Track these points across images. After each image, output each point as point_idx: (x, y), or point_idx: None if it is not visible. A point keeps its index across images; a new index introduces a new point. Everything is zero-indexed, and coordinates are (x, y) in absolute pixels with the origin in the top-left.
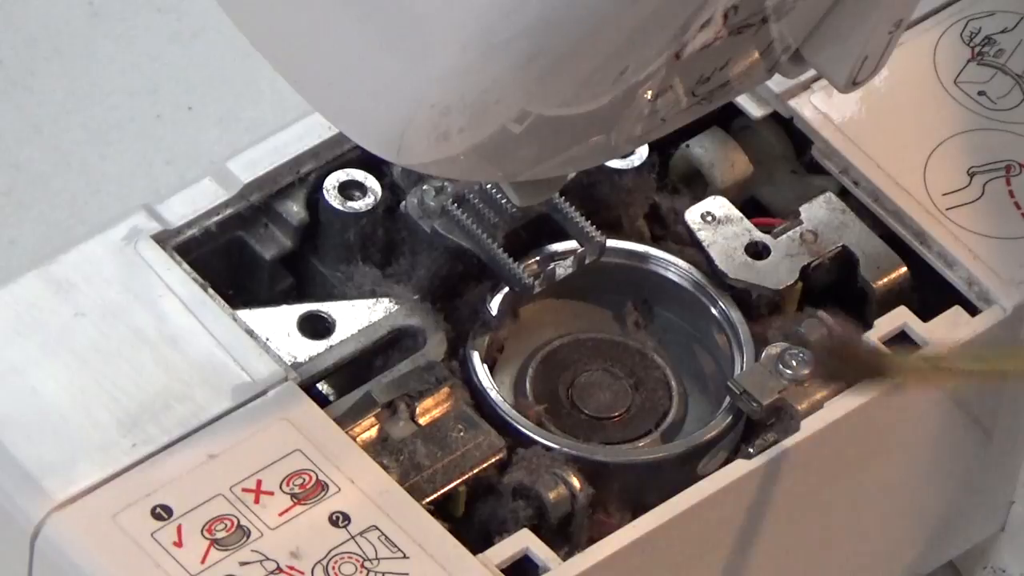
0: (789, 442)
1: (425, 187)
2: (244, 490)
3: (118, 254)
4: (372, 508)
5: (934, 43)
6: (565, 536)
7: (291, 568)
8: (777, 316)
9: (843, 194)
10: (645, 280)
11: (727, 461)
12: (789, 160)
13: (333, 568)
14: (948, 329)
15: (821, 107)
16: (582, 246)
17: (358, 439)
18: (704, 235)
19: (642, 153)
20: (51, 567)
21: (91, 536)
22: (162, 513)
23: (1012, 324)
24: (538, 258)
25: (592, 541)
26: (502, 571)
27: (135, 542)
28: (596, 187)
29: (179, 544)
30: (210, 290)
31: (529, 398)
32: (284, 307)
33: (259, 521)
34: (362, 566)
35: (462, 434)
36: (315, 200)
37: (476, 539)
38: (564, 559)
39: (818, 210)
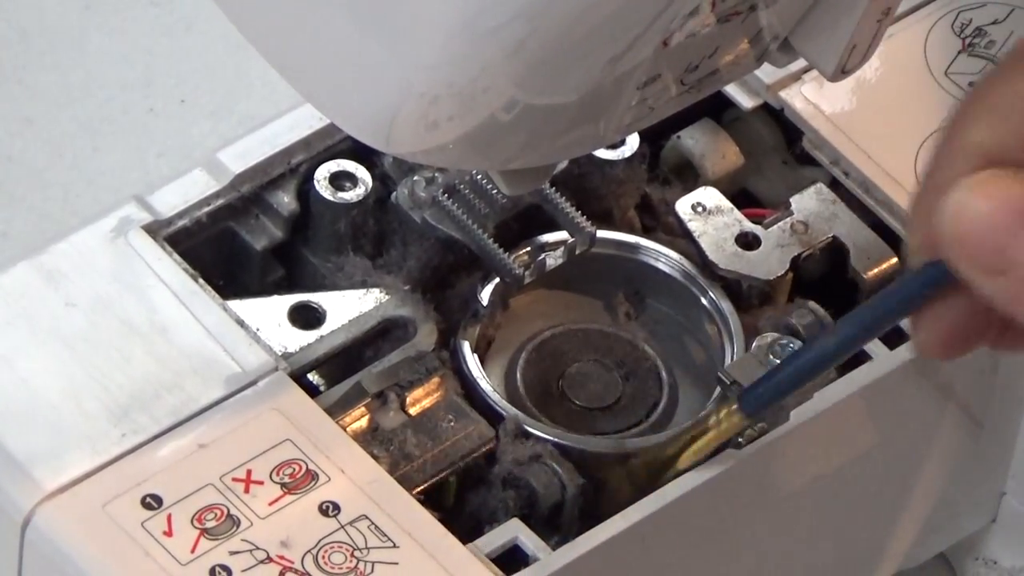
0: (779, 432)
1: (416, 178)
2: (234, 479)
3: (109, 245)
4: (362, 498)
5: (925, 34)
6: (555, 526)
7: (281, 557)
8: (768, 307)
9: (834, 185)
10: (636, 271)
11: (717, 451)
12: (780, 151)
13: (323, 557)
14: None
15: (812, 98)
16: (572, 237)
17: (348, 429)
18: (695, 226)
19: (633, 144)
20: (41, 557)
21: (81, 526)
22: (152, 503)
23: None
24: (528, 249)
25: (582, 531)
26: (492, 560)
27: (125, 531)
28: (587, 178)
29: (169, 533)
30: (201, 280)
31: (520, 388)
32: (275, 297)
33: (249, 510)
34: (352, 555)
35: (452, 424)
36: (306, 191)
37: (466, 529)
38: (554, 549)
39: (809, 201)
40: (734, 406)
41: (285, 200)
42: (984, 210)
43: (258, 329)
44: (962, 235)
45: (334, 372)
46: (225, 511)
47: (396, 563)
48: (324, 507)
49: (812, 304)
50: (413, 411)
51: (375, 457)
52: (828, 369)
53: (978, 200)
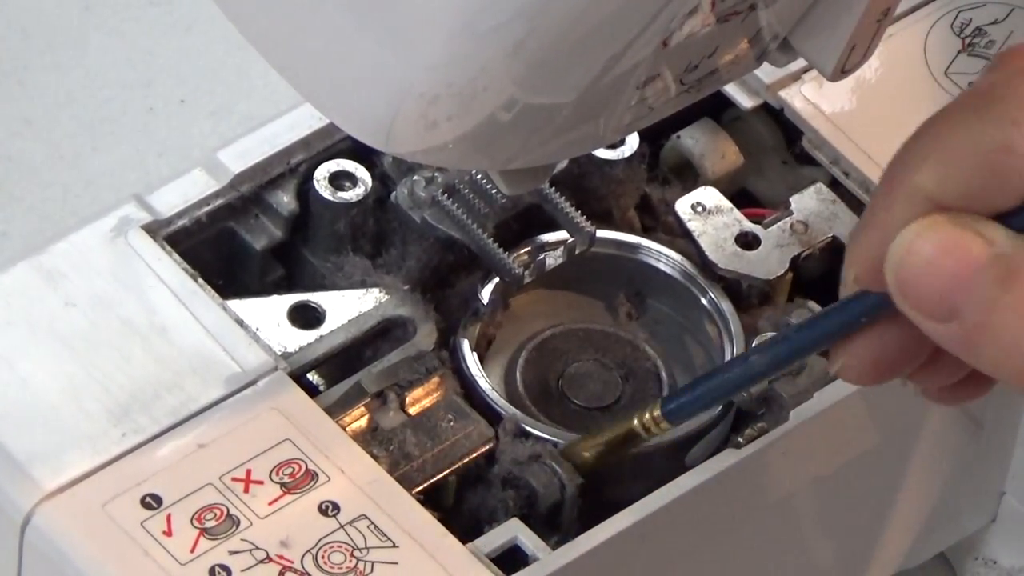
0: (778, 432)
1: (415, 177)
2: (234, 479)
3: (108, 244)
4: (362, 497)
5: (925, 34)
6: (554, 525)
7: (280, 557)
8: (767, 306)
9: (833, 185)
10: (636, 271)
11: (716, 451)
12: (779, 151)
13: (323, 557)
14: None
15: (811, 98)
16: (572, 236)
17: (348, 429)
18: (694, 226)
19: (632, 144)
20: (41, 556)
21: (81, 525)
22: (151, 502)
23: None
24: (528, 248)
25: (581, 530)
26: (492, 560)
27: (124, 531)
28: (587, 177)
29: (168, 533)
30: (200, 280)
31: (519, 388)
32: (274, 297)
33: (248, 510)
34: (351, 555)
35: (452, 424)
36: (305, 191)
37: (466, 528)
38: (553, 548)
39: (808, 201)
40: (656, 412)
41: (285, 200)
42: (930, 257)
43: (258, 329)
44: (908, 281)
45: (334, 372)
46: (225, 511)
47: (396, 563)
48: (324, 507)
49: (812, 304)
50: (413, 411)
51: (375, 457)
52: (754, 386)
53: (924, 247)
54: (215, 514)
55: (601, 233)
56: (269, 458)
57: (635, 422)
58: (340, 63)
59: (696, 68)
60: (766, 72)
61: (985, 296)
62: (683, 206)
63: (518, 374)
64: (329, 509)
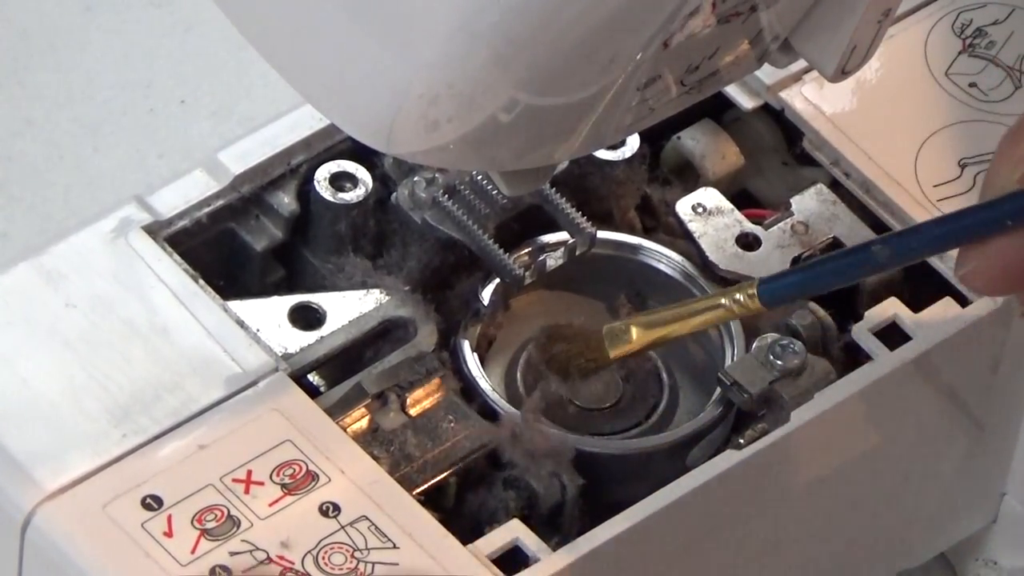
0: (779, 433)
1: (416, 178)
2: (234, 480)
3: (109, 245)
4: (362, 498)
5: (925, 35)
6: (555, 526)
7: (281, 558)
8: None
9: (834, 185)
10: (636, 272)
11: (717, 452)
12: (780, 152)
13: (323, 558)
14: (939, 320)
15: (812, 99)
16: (573, 237)
17: (348, 430)
18: (695, 226)
19: (633, 144)
20: (41, 557)
21: (81, 526)
22: (152, 503)
23: (1002, 315)
24: (529, 249)
25: (582, 531)
26: (492, 561)
27: (125, 532)
28: (587, 178)
29: (169, 534)
30: (201, 281)
31: (520, 389)
32: (275, 298)
33: (249, 511)
34: (352, 556)
35: (452, 425)
36: (306, 191)
37: (466, 529)
38: (554, 549)
39: (809, 202)
40: (751, 291)
41: (285, 201)
42: None
43: (258, 330)
44: None
45: (334, 373)
46: (225, 512)
47: (396, 564)
48: (324, 508)
49: (812, 304)
50: (413, 412)
51: (375, 458)
52: (863, 278)
53: None
54: (216, 515)
55: (602, 234)
56: (270, 459)
57: (723, 300)
58: (340, 64)
59: (697, 69)
60: (767, 73)
61: None
62: (684, 207)
63: (519, 375)
64: (330, 510)
